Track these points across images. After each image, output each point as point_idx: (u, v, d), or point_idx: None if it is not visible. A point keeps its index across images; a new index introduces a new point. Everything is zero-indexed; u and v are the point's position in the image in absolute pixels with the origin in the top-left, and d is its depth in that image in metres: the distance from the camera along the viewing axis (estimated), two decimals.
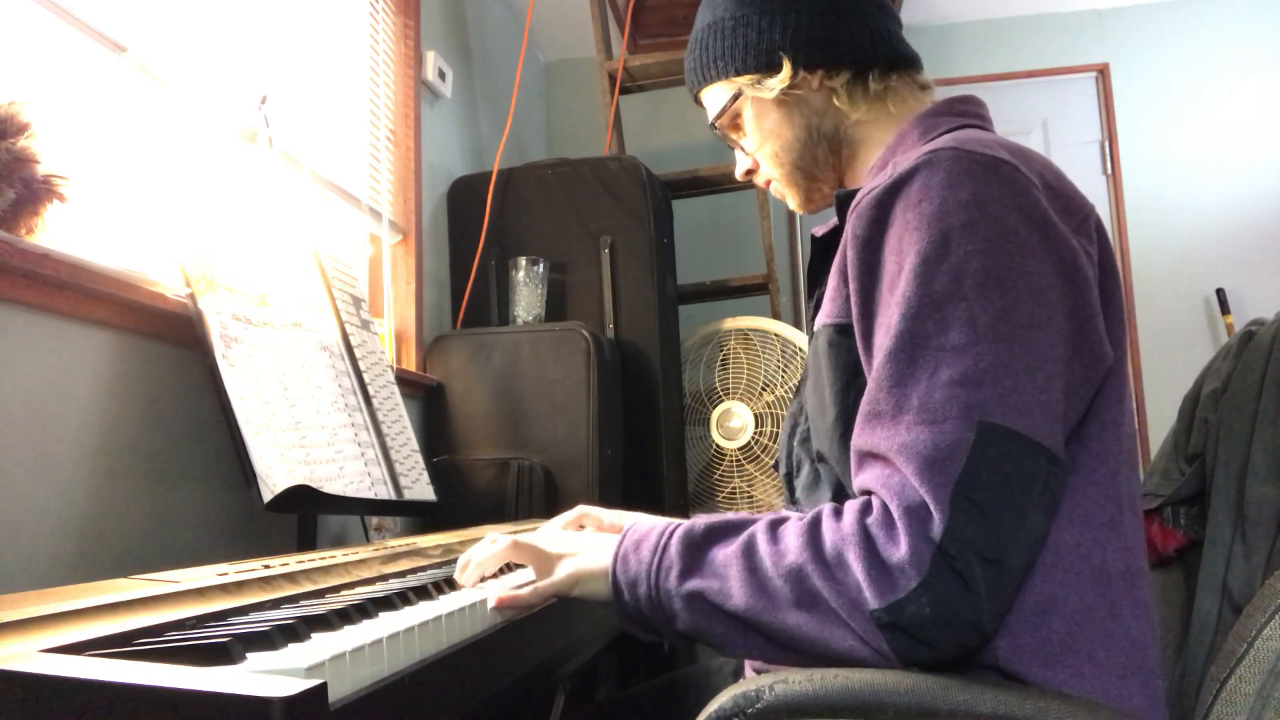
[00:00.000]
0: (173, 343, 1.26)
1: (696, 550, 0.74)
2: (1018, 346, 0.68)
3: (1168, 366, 3.16)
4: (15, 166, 1.03)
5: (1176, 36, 3.33)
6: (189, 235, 1.25)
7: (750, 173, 1.04)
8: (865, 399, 0.73)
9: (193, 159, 1.44)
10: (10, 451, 1.02)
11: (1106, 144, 3.33)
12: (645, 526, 0.79)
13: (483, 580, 0.91)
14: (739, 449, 2.53)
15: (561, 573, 0.81)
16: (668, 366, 2.29)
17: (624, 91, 2.70)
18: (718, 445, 2.55)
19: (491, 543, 0.87)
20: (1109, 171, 3.31)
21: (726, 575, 0.72)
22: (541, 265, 2.21)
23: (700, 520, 0.77)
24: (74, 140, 1.20)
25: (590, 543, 0.83)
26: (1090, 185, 3.32)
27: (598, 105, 3.04)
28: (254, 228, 1.44)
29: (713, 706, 0.68)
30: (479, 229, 2.30)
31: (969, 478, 0.65)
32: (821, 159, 0.97)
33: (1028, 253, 0.71)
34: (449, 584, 0.90)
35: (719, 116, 1.00)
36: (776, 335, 2.56)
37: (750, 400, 2.54)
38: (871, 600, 0.65)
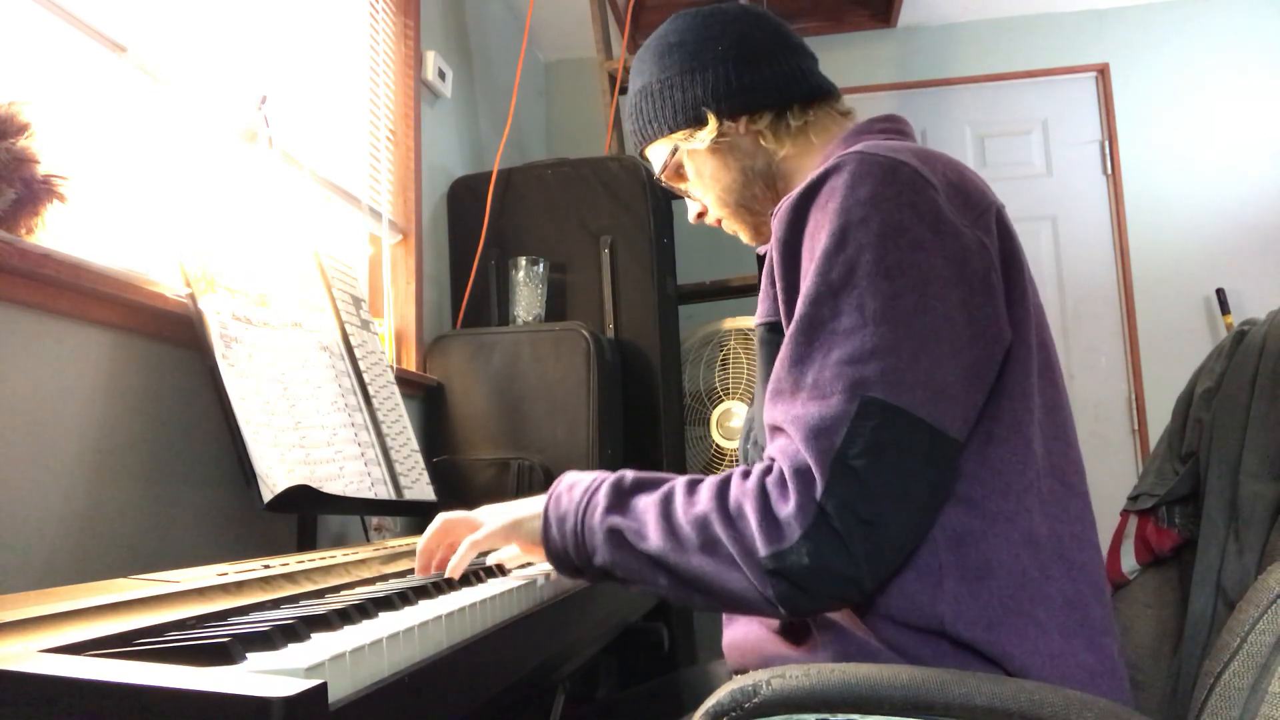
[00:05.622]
0: (173, 343, 1.26)
1: (623, 495, 0.83)
2: (903, 330, 0.74)
3: (1167, 366, 3.16)
4: (15, 166, 1.03)
5: (1176, 36, 3.33)
6: (189, 235, 1.25)
7: (702, 215, 1.12)
8: (771, 378, 0.79)
9: (193, 159, 1.44)
10: (10, 451, 1.02)
11: (1106, 144, 3.33)
12: (580, 474, 0.89)
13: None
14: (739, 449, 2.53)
15: (496, 522, 0.92)
16: (668, 366, 2.29)
17: (624, 91, 2.70)
18: (718, 445, 2.55)
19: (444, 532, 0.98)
20: (1109, 171, 3.31)
21: (644, 519, 0.80)
22: (541, 265, 2.21)
23: (630, 472, 0.85)
24: (74, 140, 1.20)
25: (521, 500, 0.94)
26: (1090, 185, 3.32)
27: (598, 105, 3.04)
28: (254, 228, 1.44)
29: (710, 702, 0.68)
30: (479, 229, 2.30)
31: (848, 446, 0.71)
32: (760, 194, 1.04)
33: (917, 246, 0.77)
34: (449, 584, 0.91)
35: (663, 170, 1.09)
36: None
37: (750, 400, 2.54)
38: (761, 548, 0.72)
